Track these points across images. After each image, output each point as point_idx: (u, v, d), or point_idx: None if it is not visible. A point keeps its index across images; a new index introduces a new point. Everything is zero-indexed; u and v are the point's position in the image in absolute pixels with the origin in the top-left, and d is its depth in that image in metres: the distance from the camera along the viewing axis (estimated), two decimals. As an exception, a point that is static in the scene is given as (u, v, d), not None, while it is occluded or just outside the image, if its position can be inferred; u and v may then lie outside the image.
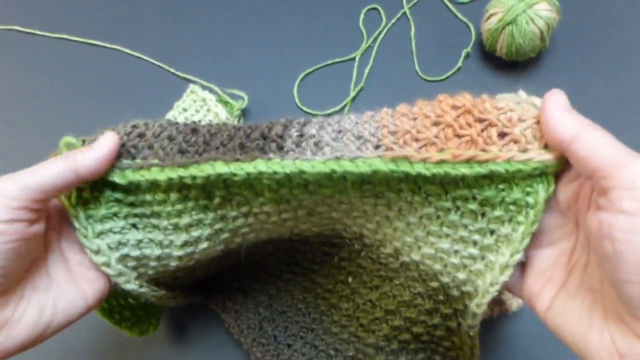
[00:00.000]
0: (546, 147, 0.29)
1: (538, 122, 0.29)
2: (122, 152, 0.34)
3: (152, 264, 0.37)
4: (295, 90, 0.64)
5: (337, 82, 0.64)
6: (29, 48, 0.70)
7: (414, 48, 0.65)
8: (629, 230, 0.23)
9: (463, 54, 0.64)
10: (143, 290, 0.37)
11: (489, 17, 0.60)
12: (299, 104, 0.63)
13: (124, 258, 0.36)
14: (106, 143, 0.33)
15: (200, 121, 0.60)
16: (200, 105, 0.60)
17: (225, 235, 0.38)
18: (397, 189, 0.34)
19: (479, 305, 0.33)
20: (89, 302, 0.35)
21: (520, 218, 0.30)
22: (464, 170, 0.30)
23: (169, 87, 0.64)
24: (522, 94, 0.32)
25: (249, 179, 0.32)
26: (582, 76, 0.62)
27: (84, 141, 0.35)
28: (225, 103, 0.61)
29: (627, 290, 0.24)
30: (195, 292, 0.49)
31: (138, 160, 0.34)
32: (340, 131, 0.33)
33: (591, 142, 0.26)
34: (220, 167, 0.32)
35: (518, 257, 0.31)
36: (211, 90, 0.63)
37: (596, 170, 0.25)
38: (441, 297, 0.37)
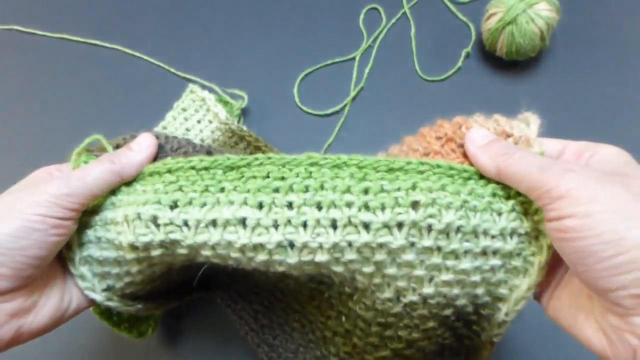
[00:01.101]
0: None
1: (512, 130, 0.33)
2: None
3: (114, 270, 0.35)
4: (295, 90, 0.64)
5: (337, 82, 0.64)
6: (29, 48, 0.70)
7: (414, 48, 0.65)
8: (556, 230, 0.27)
9: (463, 54, 0.64)
10: (113, 304, 0.36)
11: (489, 17, 0.60)
12: (299, 103, 0.63)
13: (86, 261, 0.35)
14: (146, 144, 0.36)
15: (199, 122, 0.60)
16: (199, 105, 0.60)
17: (183, 250, 0.32)
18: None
19: (509, 313, 0.33)
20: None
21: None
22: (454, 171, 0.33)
23: (169, 87, 0.64)
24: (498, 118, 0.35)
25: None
26: (582, 76, 0.62)
27: (118, 145, 0.36)
28: (225, 103, 0.61)
29: (581, 278, 0.27)
30: (187, 292, 0.46)
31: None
32: None
33: (511, 171, 0.29)
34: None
35: (551, 250, 0.30)
36: (211, 90, 0.62)
37: (527, 192, 0.29)
38: (453, 319, 0.34)
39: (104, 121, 0.63)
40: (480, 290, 0.32)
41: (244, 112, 0.63)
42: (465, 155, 0.33)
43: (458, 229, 0.30)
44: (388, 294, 0.32)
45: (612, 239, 0.24)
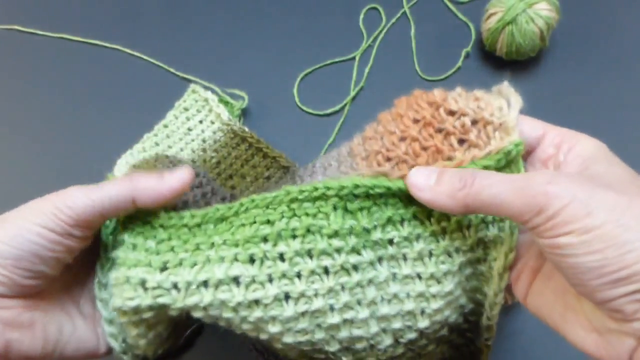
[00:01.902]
0: (503, 139, 0.30)
1: (491, 117, 0.31)
2: None
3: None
4: (295, 90, 0.64)
5: (337, 82, 0.64)
6: (29, 48, 0.70)
7: (414, 48, 0.65)
8: (550, 247, 0.25)
9: (463, 54, 0.64)
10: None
11: (489, 17, 0.60)
12: (299, 103, 0.63)
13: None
14: (178, 178, 0.31)
15: (201, 122, 0.60)
16: (201, 106, 0.60)
17: (174, 313, 0.30)
18: (381, 224, 0.32)
19: (490, 318, 0.33)
20: (100, 349, 0.34)
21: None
22: None
23: (169, 87, 0.64)
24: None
25: None
26: (582, 76, 0.62)
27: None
28: (226, 103, 0.61)
29: (578, 290, 0.25)
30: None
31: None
32: (325, 167, 0.35)
33: (481, 203, 0.27)
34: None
35: (512, 256, 0.31)
36: (211, 90, 0.63)
37: (511, 218, 0.27)
38: (447, 333, 0.35)
39: (104, 121, 0.63)
40: (463, 300, 0.33)
41: (244, 112, 0.63)
42: (445, 141, 0.32)
43: (430, 254, 0.31)
44: (387, 341, 0.32)
45: (615, 254, 0.23)
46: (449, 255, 0.31)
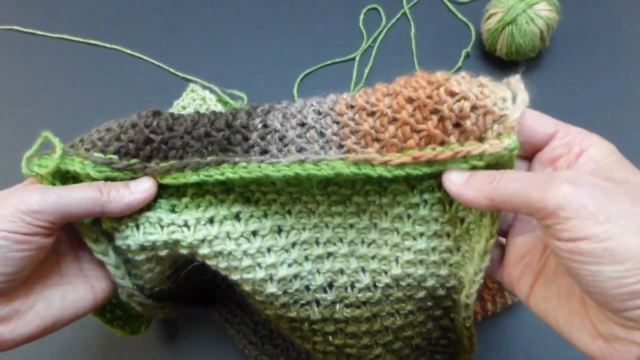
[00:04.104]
0: (500, 135, 0.29)
1: (493, 107, 0.30)
2: (90, 145, 0.34)
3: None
4: (295, 90, 0.64)
5: (337, 82, 0.64)
6: (29, 48, 0.70)
7: (414, 48, 0.65)
8: (570, 252, 0.24)
9: (463, 54, 0.64)
10: (135, 293, 0.38)
11: (489, 17, 0.60)
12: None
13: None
14: (143, 188, 0.33)
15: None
16: (199, 104, 0.60)
17: (184, 251, 0.35)
18: (363, 191, 0.34)
19: (468, 295, 0.34)
20: (97, 298, 0.36)
21: None
22: (425, 169, 0.31)
23: (168, 87, 0.64)
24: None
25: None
26: (582, 76, 0.62)
27: (72, 145, 0.35)
28: (225, 103, 0.61)
29: (592, 297, 0.25)
30: (189, 302, 0.47)
31: (109, 156, 0.34)
32: (303, 124, 0.33)
33: (505, 196, 0.27)
34: (190, 176, 0.33)
35: (493, 241, 0.31)
36: (211, 90, 0.62)
37: (529, 214, 0.27)
38: (429, 304, 0.37)
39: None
40: (444, 271, 0.35)
41: (244, 112, 0.63)
42: (439, 124, 0.30)
43: (409, 216, 0.34)
44: (366, 280, 0.36)
45: (637, 266, 0.22)
46: (426, 221, 0.34)
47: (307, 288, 0.36)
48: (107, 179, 0.33)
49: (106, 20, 0.71)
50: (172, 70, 0.66)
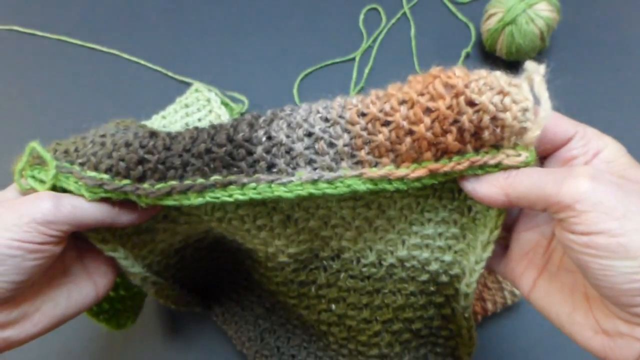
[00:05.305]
0: (517, 146, 0.29)
1: (513, 121, 0.28)
2: (84, 159, 0.33)
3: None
4: (295, 91, 0.64)
5: (337, 82, 0.64)
6: (29, 48, 0.70)
7: (414, 48, 0.65)
8: (584, 245, 0.25)
9: (463, 54, 0.64)
10: (147, 274, 0.39)
11: (489, 17, 0.60)
12: (299, 104, 0.63)
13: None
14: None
15: (200, 120, 0.60)
16: (202, 105, 0.60)
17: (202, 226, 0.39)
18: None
19: (468, 284, 0.35)
20: (99, 293, 0.37)
21: None
22: (441, 178, 0.30)
23: (167, 90, 0.64)
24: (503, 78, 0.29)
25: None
26: (582, 76, 0.62)
27: (55, 150, 0.35)
28: (226, 105, 0.61)
29: (600, 291, 0.25)
30: (193, 301, 0.48)
31: (101, 176, 0.32)
32: (310, 135, 0.31)
33: (522, 190, 0.28)
34: (195, 198, 0.32)
35: (497, 233, 0.32)
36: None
37: (546, 209, 0.27)
38: (432, 289, 0.38)
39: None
40: (448, 257, 0.35)
41: (244, 113, 0.63)
42: (458, 136, 0.29)
43: (418, 204, 0.35)
44: (371, 257, 0.37)
45: None
46: (435, 207, 0.35)
47: (316, 256, 0.38)
48: (101, 200, 0.33)
49: (106, 23, 0.71)
50: (170, 73, 0.66)
